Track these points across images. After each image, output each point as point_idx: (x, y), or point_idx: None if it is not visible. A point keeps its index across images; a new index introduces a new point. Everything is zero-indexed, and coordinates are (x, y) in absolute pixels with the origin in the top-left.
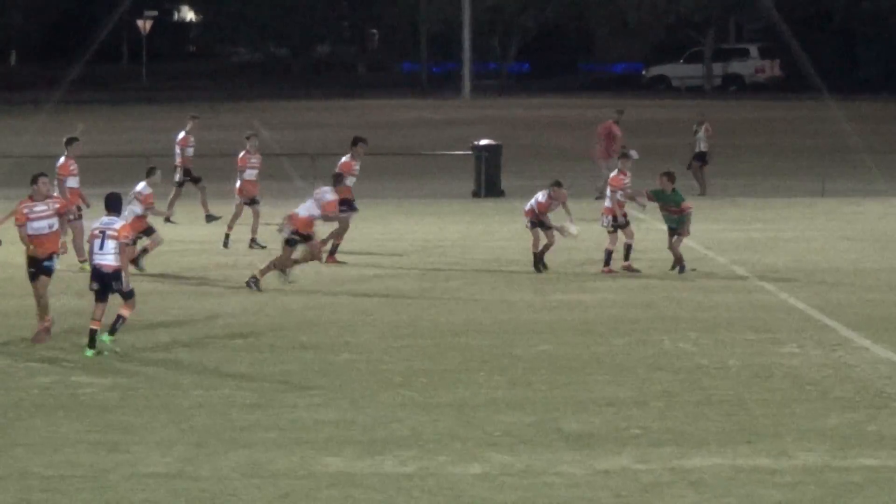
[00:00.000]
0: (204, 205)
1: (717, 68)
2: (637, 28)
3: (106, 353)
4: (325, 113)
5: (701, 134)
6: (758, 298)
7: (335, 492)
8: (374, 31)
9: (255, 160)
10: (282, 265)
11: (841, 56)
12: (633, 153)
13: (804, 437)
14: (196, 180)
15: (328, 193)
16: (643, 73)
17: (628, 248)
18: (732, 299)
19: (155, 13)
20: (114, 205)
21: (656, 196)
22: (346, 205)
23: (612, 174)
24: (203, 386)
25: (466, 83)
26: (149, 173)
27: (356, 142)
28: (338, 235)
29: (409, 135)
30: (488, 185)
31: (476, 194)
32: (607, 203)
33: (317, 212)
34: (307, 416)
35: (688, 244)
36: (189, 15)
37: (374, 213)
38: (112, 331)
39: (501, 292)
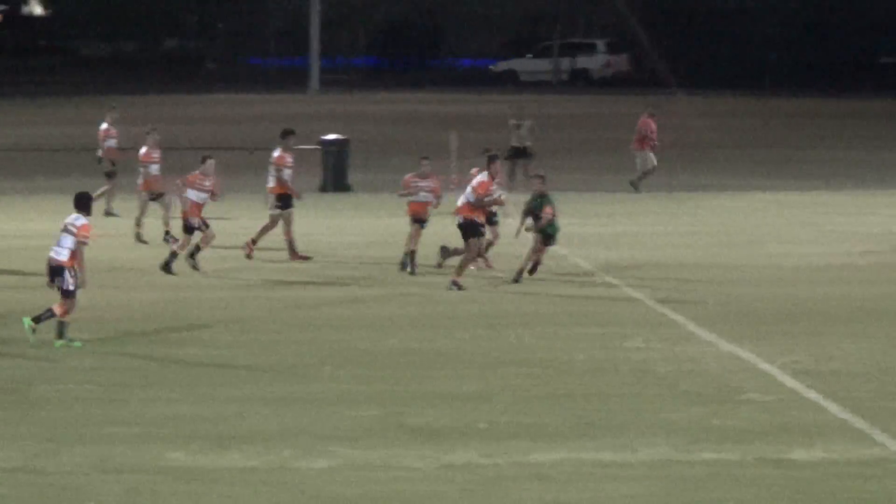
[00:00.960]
0: (106, 198)
1: (566, 63)
2: (486, 23)
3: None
4: (172, 108)
5: (524, 130)
6: (603, 293)
7: (181, 486)
8: (221, 24)
9: (157, 154)
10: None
11: (698, 51)
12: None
13: (649, 431)
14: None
15: (481, 176)
16: (491, 67)
17: (487, 245)
18: (578, 294)
19: (5, 7)
20: (81, 203)
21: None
22: (283, 201)
23: (480, 179)
24: (50, 380)
25: (315, 78)
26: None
27: (286, 134)
28: (286, 232)
29: (256, 129)
30: (335, 179)
31: (323, 189)
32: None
33: (472, 198)
34: (153, 412)
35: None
36: (37, 9)
37: (227, 209)
38: (37, 319)
39: (348, 287)
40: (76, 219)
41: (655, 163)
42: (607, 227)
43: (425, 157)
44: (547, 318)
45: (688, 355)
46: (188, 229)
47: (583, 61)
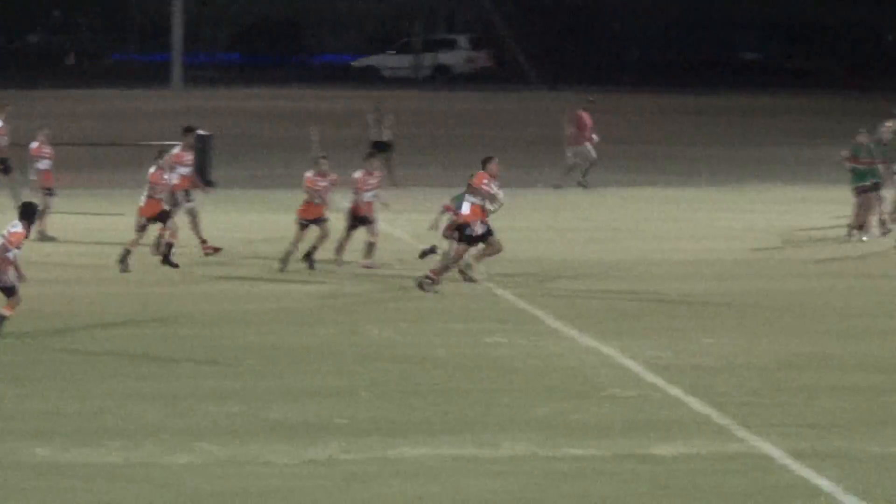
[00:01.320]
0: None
1: (428, 59)
2: (349, 19)
3: None
4: (32, 103)
5: (385, 125)
6: (465, 288)
7: (42, 482)
8: (83, 19)
9: (48, 150)
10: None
11: (560, 47)
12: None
13: (511, 427)
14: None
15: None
16: (353, 64)
17: (370, 246)
18: (440, 289)
19: None
20: (25, 213)
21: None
22: (189, 194)
23: (357, 174)
24: None
25: (177, 74)
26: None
27: (187, 131)
28: (172, 233)
29: (118, 125)
30: (199, 175)
31: None
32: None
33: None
34: (15, 407)
35: (394, 234)
36: None
37: (83, 204)
38: None
39: (209, 282)
40: (13, 226)
41: (594, 155)
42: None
43: (324, 156)
44: (409, 314)
45: (550, 351)
46: (142, 227)
47: (444, 57)
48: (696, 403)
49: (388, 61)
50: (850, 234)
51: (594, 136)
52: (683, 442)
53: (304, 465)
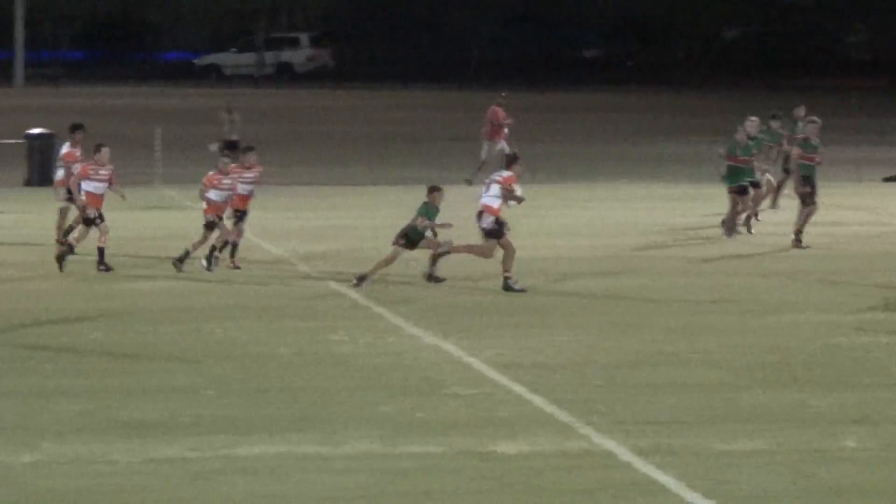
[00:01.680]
0: None
1: (270, 57)
2: (192, 17)
3: None
4: None
5: (233, 123)
6: (308, 286)
7: None
8: None
9: None
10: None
11: (403, 45)
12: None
13: (354, 424)
14: None
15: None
16: (195, 61)
17: (234, 246)
18: (283, 288)
19: None
20: None
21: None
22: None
23: (211, 172)
24: None
25: (19, 71)
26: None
27: (74, 128)
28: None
29: None
30: (41, 174)
31: (28, 183)
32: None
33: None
34: None
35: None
36: None
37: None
38: None
39: (58, 281)
40: None
41: (485, 156)
42: (311, 221)
43: (250, 148)
44: (252, 312)
45: (393, 349)
46: (87, 221)
47: (287, 55)
48: (539, 401)
49: (230, 59)
50: (729, 233)
51: (506, 132)
52: (526, 439)
53: (150, 463)
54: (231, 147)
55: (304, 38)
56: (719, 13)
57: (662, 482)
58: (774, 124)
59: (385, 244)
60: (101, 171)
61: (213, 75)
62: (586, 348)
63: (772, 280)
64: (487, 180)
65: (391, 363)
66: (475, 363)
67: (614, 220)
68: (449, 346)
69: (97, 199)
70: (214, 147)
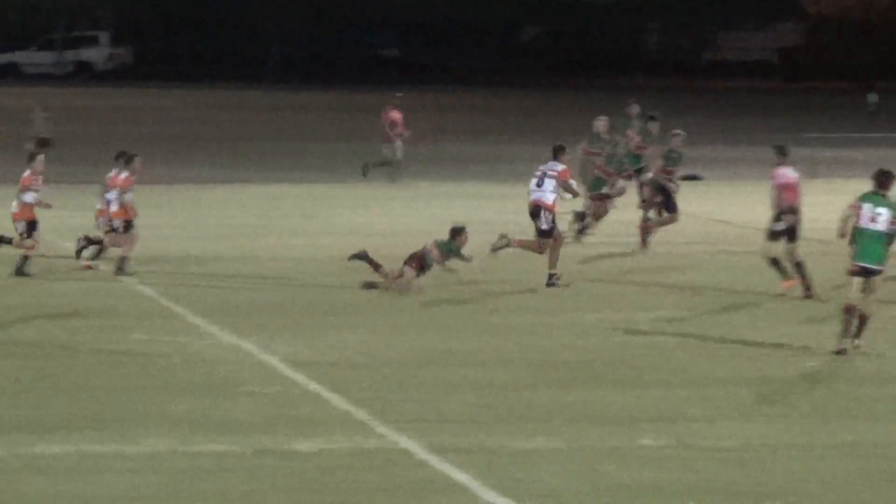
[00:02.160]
0: None
1: (70, 55)
2: None
3: None
4: None
5: (38, 120)
6: (105, 285)
7: None
8: None
9: None
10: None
11: (202, 43)
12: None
13: (152, 423)
14: None
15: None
16: None
17: (100, 248)
18: (79, 286)
19: None
20: None
21: None
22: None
23: (123, 175)
24: None
25: None
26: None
27: (39, 149)
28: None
29: None
30: None
31: None
32: (114, 207)
33: (554, 187)
34: None
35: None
36: None
37: None
38: None
39: None
40: None
41: (400, 155)
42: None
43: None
44: (50, 311)
45: (191, 348)
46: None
47: (86, 54)
48: (336, 399)
49: (29, 58)
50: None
51: (406, 133)
52: (323, 438)
53: None
54: (42, 145)
55: (103, 36)
56: (517, 12)
57: (458, 480)
58: (653, 127)
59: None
60: (40, 181)
61: (12, 74)
62: (383, 347)
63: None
64: (538, 174)
65: (189, 362)
66: (272, 362)
67: (418, 219)
68: (247, 345)
69: (31, 208)
70: (30, 146)
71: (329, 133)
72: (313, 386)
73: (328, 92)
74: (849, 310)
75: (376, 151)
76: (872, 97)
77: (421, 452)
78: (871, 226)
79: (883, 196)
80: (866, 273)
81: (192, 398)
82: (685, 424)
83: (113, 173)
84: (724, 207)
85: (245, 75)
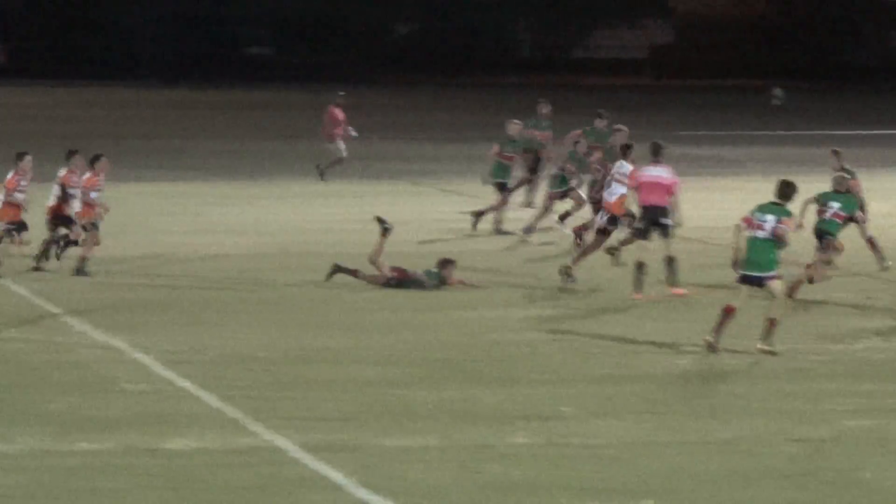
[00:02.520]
0: None
1: None
2: None
3: None
4: None
5: None
6: None
7: None
8: None
9: None
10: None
11: (73, 42)
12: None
13: (25, 422)
14: None
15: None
16: None
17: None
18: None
19: None
20: None
21: None
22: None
23: (86, 175)
24: None
25: None
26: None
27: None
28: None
29: None
30: None
31: None
32: (77, 207)
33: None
34: None
35: None
36: None
37: None
38: None
39: None
40: None
41: (343, 153)
42: None
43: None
44: None
45: (64, 346)
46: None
47: None
48: (208, 397)
49: None
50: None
51: (350, 131)
52: (195, 436)
53: None
54: None
55: None
56: (390, 10)
57: (332, 478)
58: (599, 123)
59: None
60: (24, 182)
61: None
62: (258, 345)
63: None
64: (610, 178)
65: (62, 360)
66: (145, 359)
67: (279, 217)
68: (119, 343)
69: (17, 209)
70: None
71: (200, 131)
72: (186, 384)
73: (202, 90)
74: (727, 311)
75: (233, 151)
76: (779, 92)
77: (294, 450)
78: (757, 233)
79: (777, 205)
80: (753, 282)
81: (64, 396)
82: (557, 422)
83: (63, 172)
84: None
85: (119, 74)
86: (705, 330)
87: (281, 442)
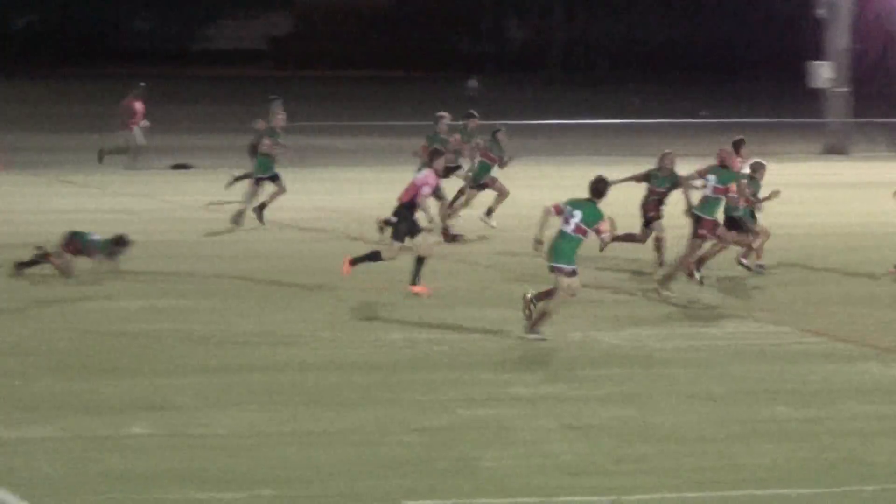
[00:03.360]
0: None
1: None
2: None
3: None
4: None
5: None
6: None
7: None
8: None
9: None
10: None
11: None
12: None
13: None
14: None
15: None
16: None
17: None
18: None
19: None
20: None
21: None
22: None
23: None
24: None
25: None
26: None
27: None
28: None
29: None
30: None
31: None
32: None
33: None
34: None
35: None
36: None
37: None
38: None
39: None
40: None
41: (141, 141)
42: None
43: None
44: None
45: None
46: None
47: None
48: None
49: None
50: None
51: (144, 122)
52: None
53: None
54: None
55: None
56: (8, 1)
57: None
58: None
59: None
60: None
61: None
62: None
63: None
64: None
65: None
66: None
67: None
68: None
69: None
70: None
71: None
72: None
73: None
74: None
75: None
76: (473, 82)
77: None
78: (564, 227)
79: (592, 202)
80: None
81: None
82: (176, 413)
83: None
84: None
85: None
86: (330, 323)
87: None
